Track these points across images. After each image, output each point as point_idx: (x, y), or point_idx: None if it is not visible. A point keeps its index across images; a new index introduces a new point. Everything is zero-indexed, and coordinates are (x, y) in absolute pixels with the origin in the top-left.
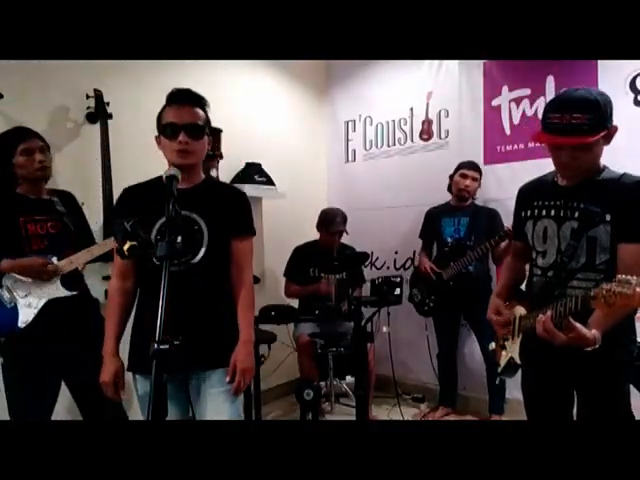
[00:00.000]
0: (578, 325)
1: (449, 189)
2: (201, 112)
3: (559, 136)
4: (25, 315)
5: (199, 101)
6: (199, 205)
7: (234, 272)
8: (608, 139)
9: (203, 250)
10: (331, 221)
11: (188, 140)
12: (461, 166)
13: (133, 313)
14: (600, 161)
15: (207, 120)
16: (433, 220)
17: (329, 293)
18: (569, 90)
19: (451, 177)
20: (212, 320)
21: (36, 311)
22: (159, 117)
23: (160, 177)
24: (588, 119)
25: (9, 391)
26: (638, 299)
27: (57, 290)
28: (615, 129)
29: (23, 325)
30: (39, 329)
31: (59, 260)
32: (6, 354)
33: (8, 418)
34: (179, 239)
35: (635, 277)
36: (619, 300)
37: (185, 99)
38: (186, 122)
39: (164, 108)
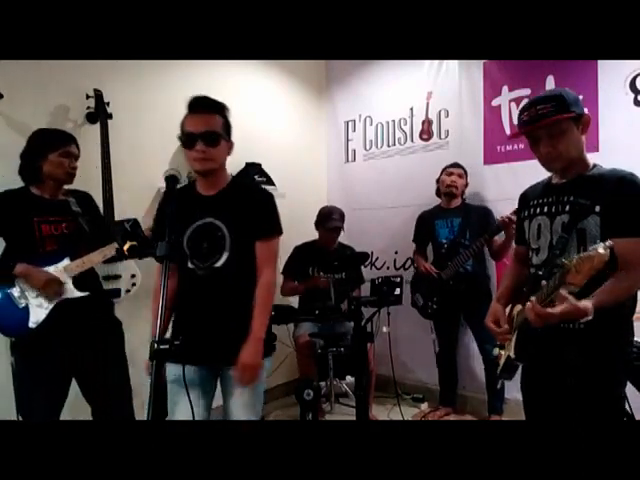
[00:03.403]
0: (569, 296)
1: (437, 193)
2: (218, 118)
3: (532, 125)
4: (36, 315)
5: (216, 107)
6: (223, 211)
7: (257, 272)
8: (582, 127)
9: (226, 255)
10: (328, 217)
11: (205, 148)
12: (445, 167)
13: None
14: (588, 159)
15: (225, 125)
16: (426, 223)
17: (326, 288)
18: (534, 96)
19: (438, 180)
20: (236, 320)
21: (47, 311)
22: (181, 126)
23: (191, 183)
24: (552, 106)
25: (19, 390)
26: (597, 259)
27: (69, 291)
28: (587, 118)
29: (34, 325)
30: (50, 329)
31: (72, 261)
32: (17, 354)
33: (15, 416)
34: (204, 245)
35: (603, 243)
36: (585, 263)
37: (202, 107)
38: (202, 131)
39: (185, 117)
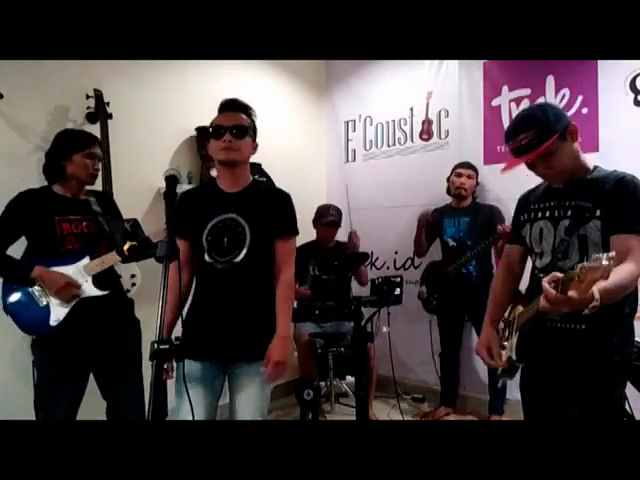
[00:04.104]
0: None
1: (448, 192)
2: (246, 118)
3: (520, 157)
4: (57, 314)
5: (244, 108)
6: (245, 208)
7: (276, 271)
8: (571, 137)
9: (245, 250)
10: (325, 212)
11: (231, 138)
12: (456, 167)
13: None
14: (587, 162)
15: (252, 125)
16: (436, 221)
17: (306, 296)
18: (515, 117)
19: (448, 179)
20: (252, 315)
21: (67, 310)
22: (211, 124)
23: (213, 179)
24: (533, 134)
25: (38, 388)
26: (601, 272)
27: (89, 289)
28: (574, 128)
29: (55, 323)
30: (70, 327)
31: (92, 259)
32: (37, 352)
33: (23, 416)
34: (225, 239)
35: (606, 254)
36: (589, 275)
37: (232, 107)
38: (231, 124)
39: (215, 117)
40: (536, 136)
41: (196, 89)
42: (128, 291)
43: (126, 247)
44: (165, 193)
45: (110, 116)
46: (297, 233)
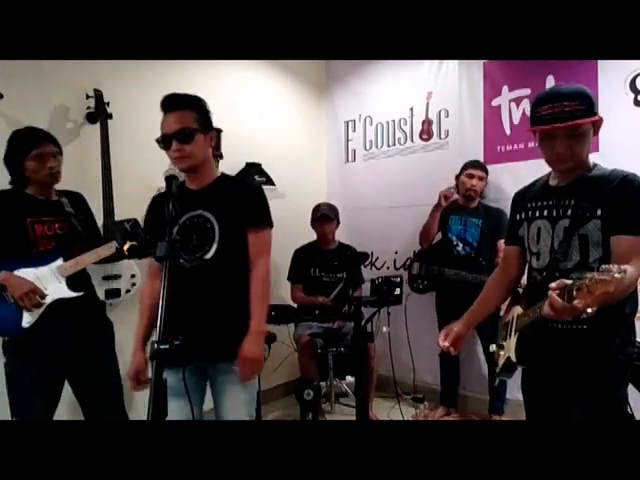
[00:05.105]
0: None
1: (457, 190)
2: (190, 113)
3: (557, 124)
4: (29, 315)
5: (186, 102)
6: (212, 203)
7: (249, 264)
8: (595, 130)
9: (215, 247)
10: (316, 209)
11: (180, 147)
12: (467, 166)
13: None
14: (590, 159)
15: (201, 118)
16: (441, 216)
17: (326, 304)
18: (554, 86)
19: (457, 177)
20: (226, 314)
21: (40, 311)
22: (160, 129)
23: (183, 182)
24: (579, 105)
25: (12, 391)
26: (614, 285)
27: (62, 291)
28: (601, 121)
29: (27, 325)
30: (43, 329)
31: (65, 261)
32: (9, 354)
33: (9, 417)
34: (194, 237)
35: (617, 266)
36: (599, 287)
37: (172, 105)
38: (174, 130)
39: (162, 118)
40: (581, 108)
41: (196, 89)
42: (128, 291)
43: (126, 247)
44: (164, 193)
45: (110, 116)
46: (270, 224)
